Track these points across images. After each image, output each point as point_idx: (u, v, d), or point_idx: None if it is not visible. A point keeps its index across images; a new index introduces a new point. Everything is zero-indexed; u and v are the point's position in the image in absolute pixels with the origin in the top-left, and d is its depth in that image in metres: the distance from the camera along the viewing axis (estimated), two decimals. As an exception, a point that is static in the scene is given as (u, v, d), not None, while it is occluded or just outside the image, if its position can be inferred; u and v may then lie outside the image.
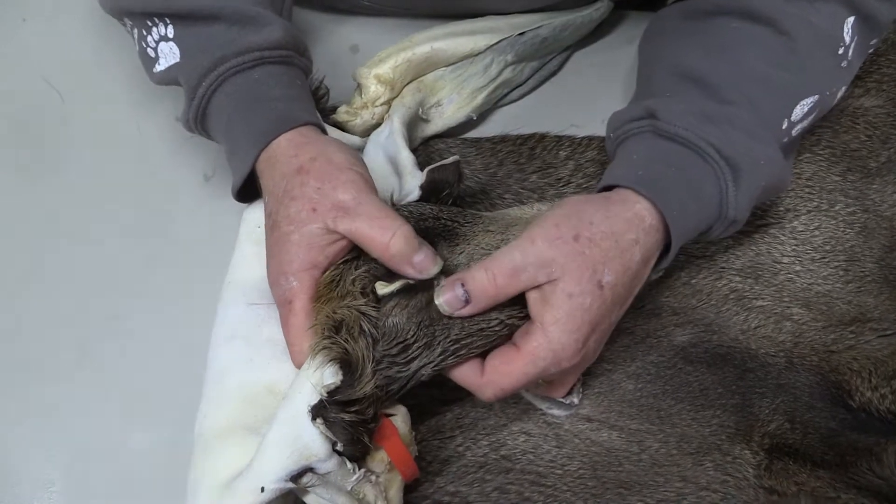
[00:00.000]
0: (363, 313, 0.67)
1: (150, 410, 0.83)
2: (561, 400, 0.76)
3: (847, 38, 0.75)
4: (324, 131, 0.78)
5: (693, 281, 0.84)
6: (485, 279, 0.66)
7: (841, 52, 0.76)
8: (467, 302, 0.66)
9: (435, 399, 0.79)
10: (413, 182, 0.79)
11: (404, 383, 0.69)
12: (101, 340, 0.86)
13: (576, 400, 0.76)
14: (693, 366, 0.81)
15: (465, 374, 0.69)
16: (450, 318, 0.68)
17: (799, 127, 0.76)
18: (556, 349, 0.66)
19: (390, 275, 0.69)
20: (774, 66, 0.74)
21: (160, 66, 0.79)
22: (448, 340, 0.68)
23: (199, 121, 0.78)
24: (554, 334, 0.66)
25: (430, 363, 0.68)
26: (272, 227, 0.71)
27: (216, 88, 0.76)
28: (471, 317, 0.68)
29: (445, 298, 0.67)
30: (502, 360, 0.68)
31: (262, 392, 0.71)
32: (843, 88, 0.79)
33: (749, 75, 0.74)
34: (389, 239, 0.67)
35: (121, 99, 0.97)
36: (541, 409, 0.79)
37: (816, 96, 0.75)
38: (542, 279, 0.66)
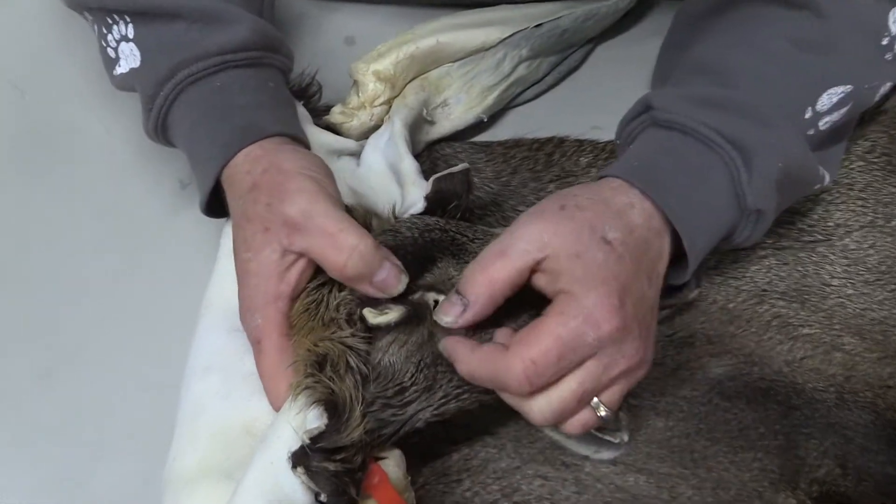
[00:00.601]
0: (350, 347, 0.67)
1: (119, 443, 0.84)
2: (609, 438, 0.75)
3: (894, 30, 0.75)
4: (301, 141, 0.78)
5: (731, 305, 0.84)
6: (475, 272, 0.66)
7: (885, 42, 0.75)
8: (465, 307, 0.66)
9: (439, 438, 0.79)
10: (417, 193, 0.79)
11: (398, 427, 0.68)
12: (63, 366, 0.86)
13: (626, 437, 0.76)
14: (731, 402, 0.81)
15: (486, 355, 0.66)
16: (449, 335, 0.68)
17: (827, 119, 0.76)
18: (587, 306, 0.64)
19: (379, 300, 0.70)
20: (799, 48, 0.74)
21: (120, 69, 0.79)
22: (451, 384, 0.68)
23: (159, 132, 0.78)
24: (579, 290, 0.64)
25: (429, 407, 0.68)
26: (235, 254, 0.72)
27: (175, 98, 0.76)
28: (475, 327, 0.67)
29: (442, 308, 0.67)
30: (528, 329, 0.66)
31: (238, 432, 0.71)
32: (888, 86, 0.79)
33: (766, 58, 0.74)
34: (345, 259, 0.67)
35: (87, 96, 0.97)
36: (580, 454, 0.78)
37: (850, 87, 0.75)
38: (536, 254, 0.66)
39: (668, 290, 0.75)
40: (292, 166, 0.70)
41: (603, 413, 0.67)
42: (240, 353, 0.73)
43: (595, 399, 0.67)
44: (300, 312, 0.69)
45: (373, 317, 0.68)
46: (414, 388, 0.68)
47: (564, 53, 0.98)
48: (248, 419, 0.71)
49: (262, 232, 0.69)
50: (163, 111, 0.76)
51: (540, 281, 0.67)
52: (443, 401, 0.68)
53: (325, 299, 0.69)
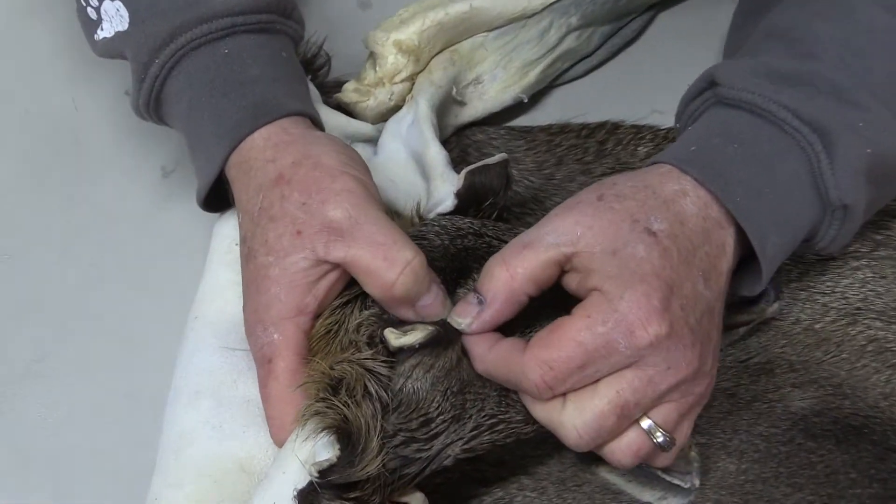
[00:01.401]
0: (369, 370, 0.67)
1: (88, 478, 0.84)
2: (677, 482, 0.74)
3: None
4: (318, 124, 0.77)
5: (818, 326, 0.84)
6: (494, 266, 0.66)
7: None
8: (481, 304, 0.66)
9: (468, 478, 0.78)
10: (445, 188, 0.79)
11: (423, 466, 0.68)
12: (26, 384, 0.87)
13: (696, 481, 0.75)
14: (817, 441, 0.80)
15: (502, 353, 0.67)
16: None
17: None
18: (620, 309, 0.63)
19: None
20: None
21: (103, 33, 0.78)
22: (482, 414, 0.68)
23: (151, 108, 0.78)
24: (611, 289, 0.64)
25: (459, 440, 0.68)
26: (247, 256, 0.71)
27: (174, 66, 0.75)
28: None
29: (457, 310, 0.68)
30: (549, 328, 0.65)
31: (232, 469, 0.71)
32: None
33: (857, 26, 0.73)
34: (397, 276, 0.67)
35: (54, 66, 0.97)
36: (640, 500, 0.77)
37: None
38: (565, 249, 0.65)
39: (742, 304, 0.74)
40: (333, 161, 0.71)
41: (660, 438, 0.66)
42: (234, 377, 0.73)
43: (648, 421, 0.66)
44: (320, 335, 0.69)
45: (395, 338, 0.67)
46: (441, 417, 0.67)
47: (620, 22, 0.98)
48: (244, 454, 0.71)
49: (291, 234, 0.69)
50: (157, 82, 0.76)
51: (571, 282, 0.67)
52: (474, 433, 0.68)
53: (346, 320, 0.69)
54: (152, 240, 0.91)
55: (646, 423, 0.66)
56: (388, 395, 0.66)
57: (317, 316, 0.70)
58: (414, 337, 0.67)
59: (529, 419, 0.69)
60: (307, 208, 0.69)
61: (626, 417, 0.65)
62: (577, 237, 0.65)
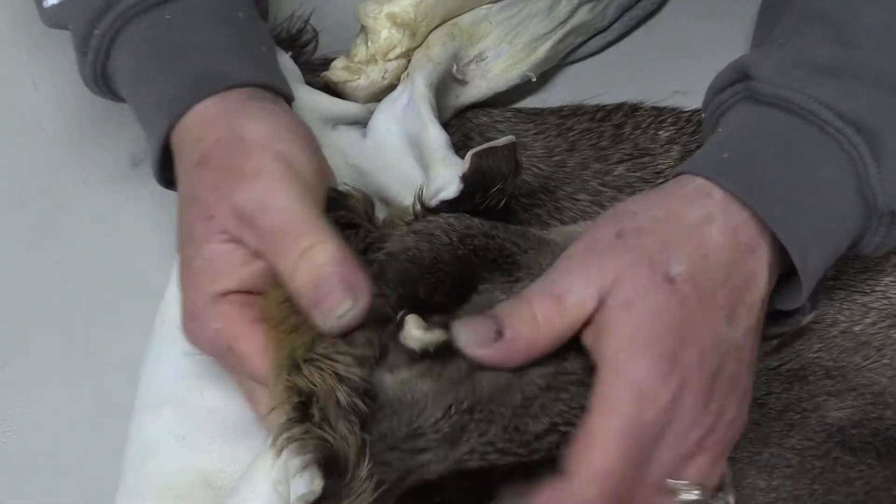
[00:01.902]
0: (342, 378, 0.65)
1: (51, 492, 0.85)
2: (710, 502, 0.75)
3: None
4: (283, 93, 0.76)
5: (856, 328, 0.84)
6: (523, 309, 0.66)
7: None
8: (500, 335, 0.65)
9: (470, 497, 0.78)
10: (448, 172, 0.79)
11: (401, 475, 0.67)
12: None
13: (731, 500, 0.75)
14: (855, 455, 0.80)
15: (548, 497, 0.65)
16: (472, 369, 0.66)
17: None
18: (635, 381, 0.64)
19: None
20: None
21: (50, 0, 0.78)
22: (482, 439, 0.67)
23: (101, 83, 0.78)
24: (624, 359, 0.65)
25: (445, 461, 0.67)
26: (179, 253, 0.72)
27: (115, 37, 0.75)
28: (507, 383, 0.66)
29: (468, 324, 0.66)
30: (577, 439, 0.65)
31: (196, 483, 0.71)
32: None
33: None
34: (293, 269, 0.66)
35: (10, 39, 0.97)
36: None
37: None
38: (590, 303, 0.66)
39: (776, 315, 0.74)
40: (256, 135, 0.70)
41: (696, 496, 0.67)
42: (200, 384, 0.74)
43: (682, 488, 0.67)
44: (278, 302, 0.68)
45: (420, 332, 0.66)
46: (435, 436, 0.66)
47: None
48: (210, 468, 0.71)
49: (203, 220, 0.68)
50: (101, 55, 0.76)
51: (588, 337, 0.67)
52: (466, 457, 0.67)
53: None
54: (120, 236, 0.92)
55: (683, 488, 0.67)
56: (364, 403, 0.65)
57: (252, 295, 0.69)
58: (437, 336, 0.66)
59: (532, 454, 0.68)
60: (219, 191, 0.68)
61: (664, 488, 0.67)
62: (600, 288, 0.66)
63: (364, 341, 0.67)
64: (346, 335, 0.66)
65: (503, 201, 0.78)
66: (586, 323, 0.66)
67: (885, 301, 0.84)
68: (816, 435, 0.81)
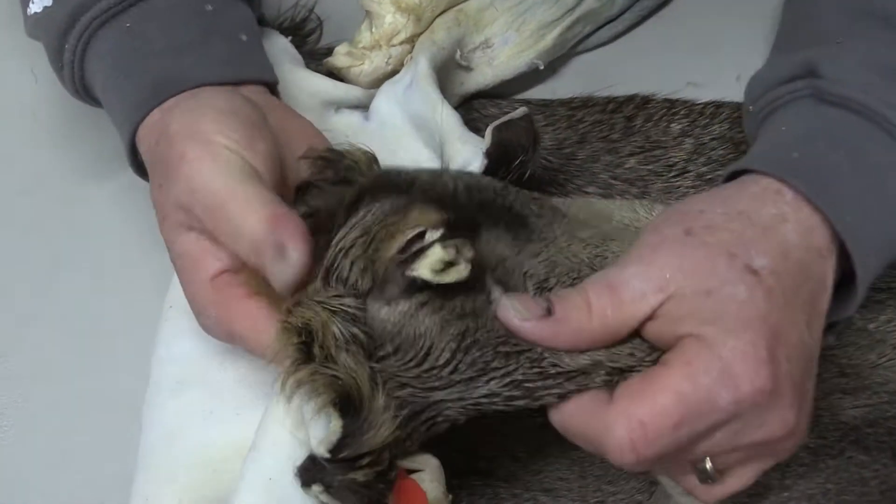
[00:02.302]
0: (334, 311, 0.65)
1: (52, 487, 0.84)
2: None
3: None
4: (266, 83, 0.77)
5: (871, 326, 0.84)
6: (576, 295, 0.64)
7: None
8: (549, 312, 0.64)
9: (479, 495, 0.79)
10: (468, 149, 0.80)
11: (417, 409, 0.66)
12: None
13: None
14: (870, 454, 0.80)
15: (583, 405, 0.65)
16: (514, 342, 0.65)
17: None
18: (724, 356, 0.62)
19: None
20: None
21: (34, 7, 0.79)
22: (505, 380, 0.65)
23: (81, 93, 0.80)
24: (712, 335, 0.62)
25: (461, 401, 0.66)
26: None
27: (84, 50, 0.76)
28: (548, 350, 0.65)
29: (518, 297, 0.65)
30: (640, 378, 0.64)
31: (230, 456, 0.71)
32: None
33: None
34: (229, 240, 0.66)
35: (10, 30, 0.95)
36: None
37: None
38: (654, 301, 0.64)
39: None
40: (178, 124, 0.70)
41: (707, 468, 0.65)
42: (219, 359, 0.74)
43: (708, 464, 0.65)
44: (251, 279, 0.69)
45: (440, 258, 0.63)
46: (447, 369, 0.65)
47: None
48: (241, 439, 0.70)
49: (162, 222, 0.70)
50: (75, 68, 0.77)
51: (651, 330, 0.65)
52: (486, 400, 0.66)
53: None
54: (118, 226, 0.92)
55: (707, 468, 0.66)
56: (363, 334, 0.65)
57: (237, 270, 0.69)
58: (461, 271, 0.64)
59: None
60: (163, 190, 0.70)
61: (694, 462, 0.66)
62: (665, 282, 0.64)
63: (357, 272, 0.66)
64: (338, 271, 0.66)
65: (526, 174, 0.78)
66: (649, 318, 0.64)
67: None
68: (830, 433, 0.80)
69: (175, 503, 0.71)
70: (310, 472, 0.64)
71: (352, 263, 0.65)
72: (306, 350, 0.64)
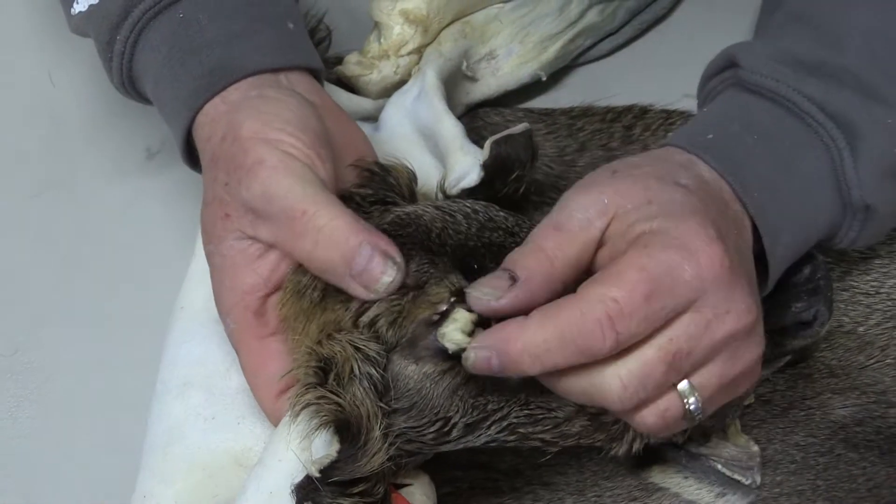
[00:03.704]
0: (358, 349, 0.66)
1: (62, 480, 0.85)
2: (737, 477, 0.76)
3: None
4: (312, 69, 0.78)
5: (861, 329, 0.85)
6: (528, 248, 0.65)
7: None
8: (514, 280, 0.63)
9: (480, 488, 0.80)
10: (467, 160, 0.79)
11: (419, 450, 0.69)
12: (5, 374, 0.88)
13: (758, 478, 0.76)
14: (858, 452, 0.81)
15: (550, 311, 0.63)
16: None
17: None
18: (678, 235, 0.63)
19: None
20: None
21: (78, 6, 0.79)
22: (502, 423, 0.68)
23: (129, 87, 0.80)
24: (663, 224, 0.63)
25: (466, 441, 0.69)
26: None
27: (136, 41, 0.77)
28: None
29: (481, 281, 0.65)
30: (604, 269, 0.63)
31: (227, 463, 0.72)
32: None
33: (890, 17, 0.75)
34: (311, 246, 0.67)
35: (28, 37, 0.98)
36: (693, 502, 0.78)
37: None
38: (600, 222, 0.65)
39: (794, 328, 0.75)
40: (249, 129, 0.70)
41: (692, 404, 0.64)
42: (226, 366, 0.75)
43: (685, 382, 0.64)
44: (288, 297, 0.70)
45: (462, 335, 0.65)
46: (459, 436, 0.68)
47: None
48: (239, 447, 0.72)
49: (221, 218, 0.71)
50: (125, 61, 0.78)
51: (605, 255, 0.65)
52: (482, 447, 0.69)
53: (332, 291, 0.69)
54: (134, 226, 0.92)
55: (683, 384, 0.64)
56: (380, 375, 0.66)
57: (270, 294, 0.71)
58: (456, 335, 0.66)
59: (557, 438, 0.69)
60: (229, 189, 0.70)
61: (675, 370, 0.63)
62: (605, 206, 0.65)
63: (386, 323, 0.67)
64: (370, 317, 0.67)
65: (521, 189, 0.79)
66: (600, 246, 0.65)
67: (890, 303, 0.85)
68: (820, 432, 0.81)
69: (170, 501, 0.72)
70: (305, 490, 0.65)
71: (382, 313, 0.67)
72: (322, 377, 0.66)
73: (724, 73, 0.77)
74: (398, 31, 0.89)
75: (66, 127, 0.97)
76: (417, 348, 0.67)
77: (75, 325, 0.90)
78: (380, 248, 0.67)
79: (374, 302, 0.67)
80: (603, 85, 0.96)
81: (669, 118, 0.93)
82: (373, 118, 0.89)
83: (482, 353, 0.63)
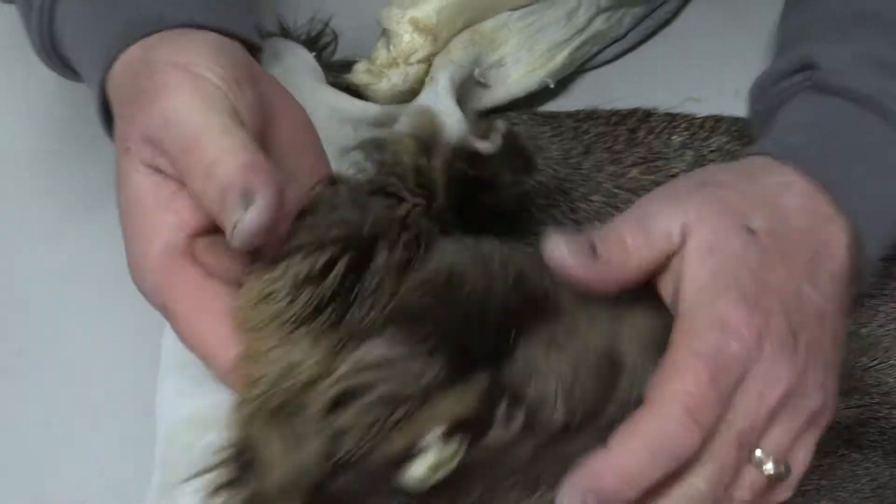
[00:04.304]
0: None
1: (69, 482, 0.86)
2: None
3: None
4: (245, 39, 0.71)
5: (864, 330, 0.85)
6: (613, 234, 0.64)
7: None
8: (594, 252, 0.62)
9: None
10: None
11: None
12: (0, 381, 0.89)
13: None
14: (862, 453, 0.82)
15: (635, 427, 0.59)
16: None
17: None
18: (718, 314, 0.61)
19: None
20: None
21: None
22: None
23: (50, 51, 0.75)
24: (706, 299, 0.62)
25: None
26: None
27: (55, 1, 0.72)
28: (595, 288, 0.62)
29: (566, 237, 0.62)
30: (659, 369, 0.61)
31: (181, 430, 0.73)
32: None
33: None
34: (201, 186, 0.60)
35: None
36: None
37: None
38: (676, 238, 0.64)
39: None
40: (160, 57, 0.64)
41: (770, 469, 0.63)
42: None
43: (758, 451, 0.62)
44: (254, 302, 0.60)
45: (440, 459, 0.56)
46: None
47: (653, 3, 0.99)
48: (194, 410, 0.72)
49: (122, 154, 0.64)
50: (45, 15, 0.73)
51: (665, 285, 0.65)
52: None
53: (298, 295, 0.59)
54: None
55: (756, 453, 0.63)
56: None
57: (195, 235, 0.63)
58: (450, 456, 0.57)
59: None
60: (130, 119, 0.64)
61: (745, 447, 0.62)
62: (686, 224, 0.64)
63: (353, 443, 0.57)
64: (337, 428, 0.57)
65: (525, 187, 0.77)
66: (663, 269, 0.65)
67: (894, 304, 0.86)
68: (824, 433, 0.78)
69: (157, 485, 0.73)
70: None
71: (349, 431, 0.57)
72: (244, 471, 0.59)
73: (796, 75, 0.77)
74: (408, 40, 0.89)
75: (72, 129, 0.97)
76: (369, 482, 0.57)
77: (78, 327, 0.91)
78: (244, 185, 0.58)
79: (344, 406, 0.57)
80: (609, 90, 0.97)
81: (673, 121, 0.93)
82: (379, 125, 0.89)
83: (574, 498, 0.57)
